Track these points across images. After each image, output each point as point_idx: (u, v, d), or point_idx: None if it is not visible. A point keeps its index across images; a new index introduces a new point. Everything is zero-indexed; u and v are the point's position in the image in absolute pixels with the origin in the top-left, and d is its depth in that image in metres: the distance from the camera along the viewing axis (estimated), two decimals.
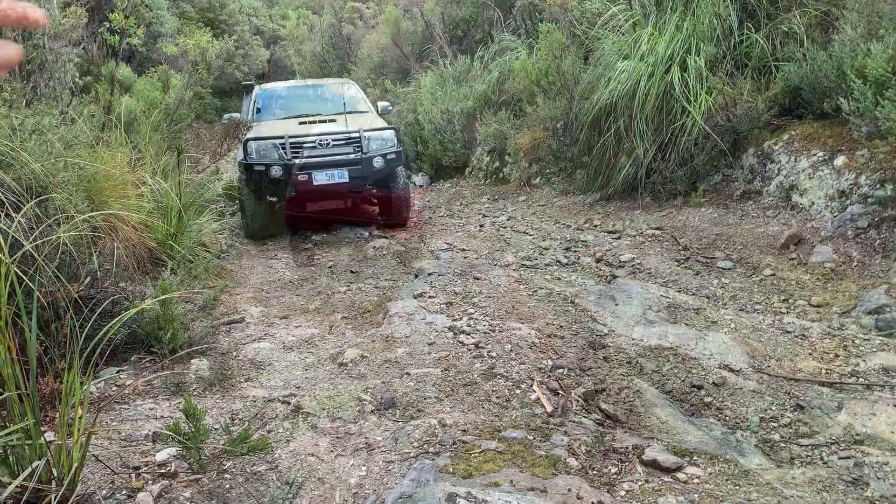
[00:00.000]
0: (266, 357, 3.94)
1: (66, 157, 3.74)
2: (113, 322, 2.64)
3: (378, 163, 7.33)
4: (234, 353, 3.93)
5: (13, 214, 2.83)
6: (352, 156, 7.27)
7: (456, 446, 2.81)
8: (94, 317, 2.81)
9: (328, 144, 7.24)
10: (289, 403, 3.25)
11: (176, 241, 5.18)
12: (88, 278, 3.54)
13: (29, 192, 3.35)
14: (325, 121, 7.85)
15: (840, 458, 2.82)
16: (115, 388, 3.37)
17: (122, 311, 3.42)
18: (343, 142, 7.35)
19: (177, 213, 5.31)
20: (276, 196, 7.21)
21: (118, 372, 3.50)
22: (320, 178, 7.09)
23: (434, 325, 4.10)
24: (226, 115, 8.42)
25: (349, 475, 2.74)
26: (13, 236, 2.69)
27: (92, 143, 4.75)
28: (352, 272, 6.10)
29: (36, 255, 2.93)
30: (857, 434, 2.94)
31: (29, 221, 3.21)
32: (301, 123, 7.80)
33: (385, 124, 7.94)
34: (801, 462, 2.84)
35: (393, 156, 7.48)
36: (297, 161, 7.03)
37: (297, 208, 7.51)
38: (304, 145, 7.20)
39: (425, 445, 2.88)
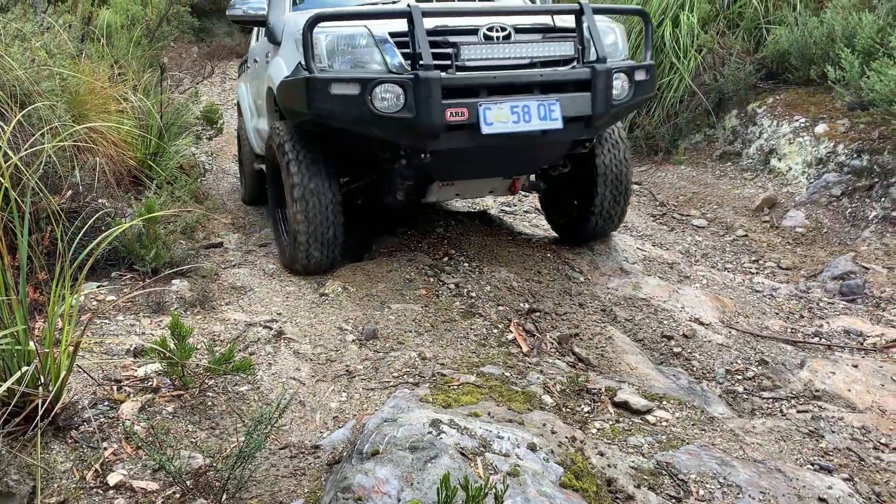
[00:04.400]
0: (246, 283, 3.96)
1: (50, 66, 3.65)
2: (102, 236, 2.63)
3: (622, 89, 3.71)
4: (215, 277, 3.94)
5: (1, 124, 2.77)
6: (569, 70, 3.62)
7: (435, 378, 2.89)
8: (78, 230, 2.80)
9: (513, 40, 3.56)
10: (270, 329, 3.29)
11: (156, 161, 5.11)
12: (70, 192, 3.50)
13: (13, 100, 3.27)
14: None
15: (799, 411, 2.96)
16: (95, 303, 3.37)
17: (104, 227, 3.40)
18: (547, 37, 3.68)
19: (157, 133, 5.22)
20: (373, 169, 4.08)
21: (98, 287, 3.50)
22: (500, 115, 3.37)
23: (416, 263, 4.14)
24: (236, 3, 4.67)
25: (330, 400, 2.81)
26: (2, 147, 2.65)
27: (73, 54, 4.62)
28: None
29: (21, 167, 2.88)
30: (817, 390, 3.08)
31: (13, 130, 3.14)
32: None
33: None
34: (762, 413, 2.98)
35: (645, 78, 3.85)
36: (441, 76, 3.31)
37: (424, 192, 4.15)
38: (461, 40, 3.48)
39: (405, 376, 2.95)
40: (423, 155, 3.52)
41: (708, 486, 2.18)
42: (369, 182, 4.31)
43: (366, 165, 4.22)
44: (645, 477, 2.18)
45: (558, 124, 3.47)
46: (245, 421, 2.55)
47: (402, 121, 3.34)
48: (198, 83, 7.61)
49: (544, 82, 3.53)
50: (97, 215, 3.27)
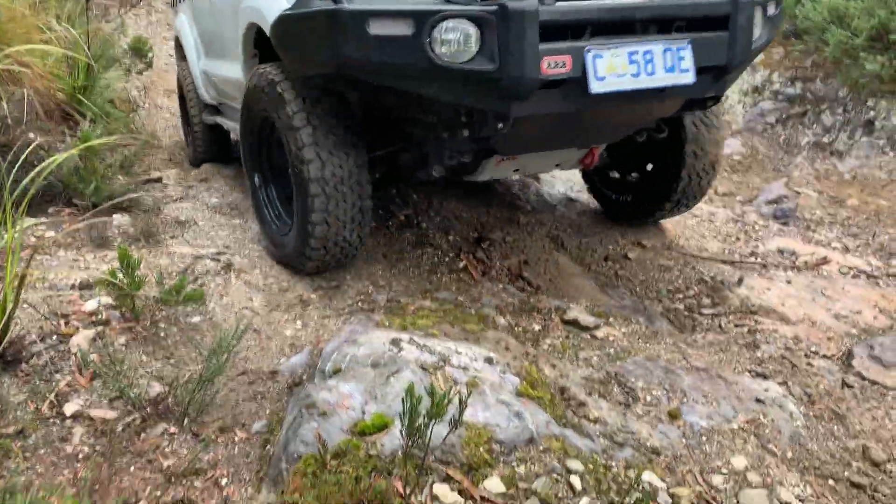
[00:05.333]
0: (190, 217, 3.88)
1: None
2: (40, 167, 2.53)
3: (760, 28, 2.85)
4: (157, 211, 3.85)
5: None
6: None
7: (390, 304, 2.93)
8: (11, 165, 2.68)
9: None
10: (219, 261, 3.25)
11: (85, 96, 4.88)
12: None
13: None
14: None
15: (736, 325, 3.12)
16: (34, 240, 3.26)
17: (37, 162, 3.26)
18: None
19: (86, 65, 4.97)
20: (403, 135, 3.15)
21: (36, 224, 3.38)
22: (614, 65, 2.46)
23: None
24: None
25: (285, 328, 2.82)
26: None
27: None
28: None
29: None
30: (753, 305, 3.24)
31: None
32: None
33: None
34: (703, 328, 3.13)
35: (776, 12, 2.99)
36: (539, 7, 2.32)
37: (475, 169, 3.21)
38: None
39: (359, 303, 2.98)
40: (499, 124, 2.48)
41: (654, 392, 2.30)
42: (395, 151, 3.25)
43: (394, 128, 3.16)
44: (595, 385, 2.28)
45: (689, 77, 2.54)
46: (201, 350, 2.54)
47: (477, 75, 2.32)
48: (124, 13, 7.23)
49: (670, 16, 2.57)
50: (29, 149, 3.12)
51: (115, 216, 3.58)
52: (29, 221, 3.36)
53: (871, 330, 3.08)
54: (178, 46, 5.51)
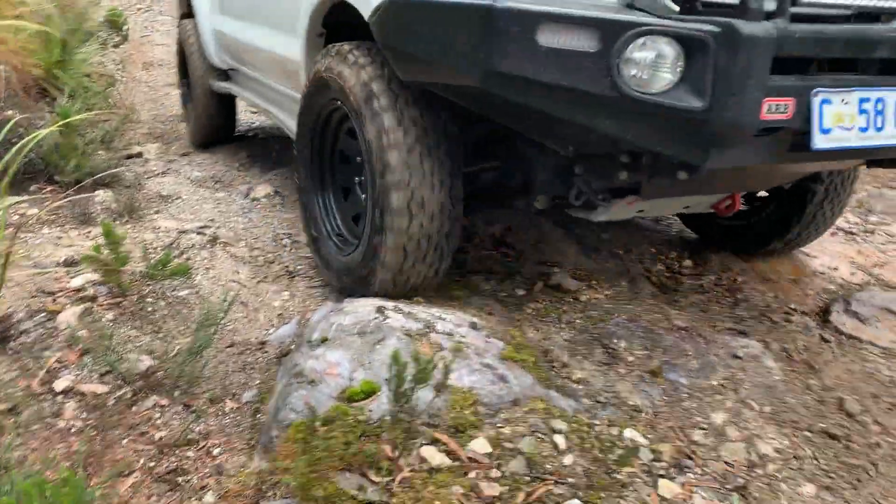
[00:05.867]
0: (173, 191, 3.88)
1: None
2: (20, 143, 2.52)
3: None
4: (140, 187, 3.84)
5: None
6: None
7: None
8: None
9: None
10: (204, 234, 3.26)
11: (62, 71, 4.82)
12: None
13: None
14: None
15: (716, 285, 3.17)
16: (16, 217, 3.25)
17: (17, 139, 3.24)
18: None
19: (61, 40, 4.90)
20: (508, 152, 2.57)
21: (18, 202, 3.36)
22: (842, 115, 1.90)
23: None
24: None
25: (272, 299, 2.84)
26: None
27: None
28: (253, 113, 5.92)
29: None
30: (733, 265, 3.30)
31: None
32: None
33: None
34: (684, 289, 3.18)
35: None
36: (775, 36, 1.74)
37: (594, 207, 2.44)
38: None
39: None
40: (681, 174, 1.99)
41: (637, 352, 2.35)
42: (489, 169, 2.65)
43: (499, 144, 2.60)
44: (578, 347, 2.33)
45: None
46: (189, 324, 2.56)
47: (673, 112, 1.77)
48: None
49: None
50: (7, 127, 3.10)
51: (97, 192, 3.57)
52: (11, 200, 3.34)
53: (849, 286, 3.14)
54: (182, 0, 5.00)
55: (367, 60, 2.34)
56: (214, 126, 4.75)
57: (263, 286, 2.92)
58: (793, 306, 2.95)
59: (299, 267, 3.04)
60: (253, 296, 2.85)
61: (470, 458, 1.73)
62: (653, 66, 1.75)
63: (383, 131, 2.23)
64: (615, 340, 2.42)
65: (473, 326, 2.21)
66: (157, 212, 3.56)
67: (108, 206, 3.45)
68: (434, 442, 1.75)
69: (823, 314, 2.89)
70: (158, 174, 4.23)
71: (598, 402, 2.08)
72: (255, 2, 3.59)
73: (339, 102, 2.50)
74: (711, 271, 3.29)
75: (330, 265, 2.73)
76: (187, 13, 4.85)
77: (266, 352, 2.46)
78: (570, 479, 1.71)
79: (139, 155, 4.59)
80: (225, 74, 4.46)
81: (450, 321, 2.21)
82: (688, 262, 3.39)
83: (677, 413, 2.13)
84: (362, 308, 2.18)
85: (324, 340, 2.06)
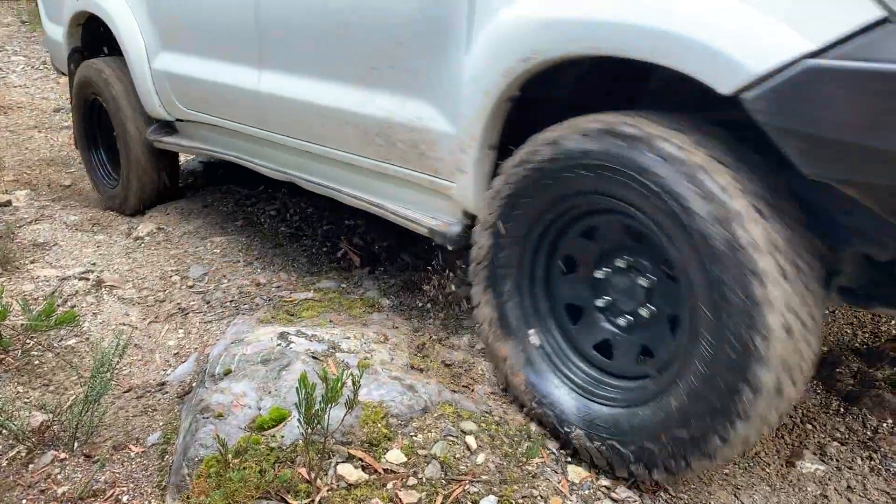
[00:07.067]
0: (49, 238, 3.69)
1: None
2: None
3: None
4: (12, 236, 3.63)
5: None
6: None
7: (273, 301, 2.94)
8: None
9: None
10: (88, 279, 3.14)
11: None
12: None
13: None
14: None
15: None
16: None
17: None
18: None
19: None
20: None
21: None
22: None
23: (232, 195, 4.07)
24: None
25: (167, 339, 2.77)
26: None
27: None
28: None
29: None
30: None
31: None
32: None
33: None
34: None
35: None
36: None
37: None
38: None
39: (242, 304, 2.97)
40: None
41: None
42: None
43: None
44: (482, 349, 2.40)
45: None
46: (81, 373, 2.46)
47: None
48: None
49: None
50: None
51: None
52: None
53: None
54: (85, 31, 4.13)
55: (689, 140, 1.64)
56: (156, 188, 3.99)
57: (156, 326, 2.84)
58: None
59: (192, 303, 2.98)
60: (146, 337, 2.77)
61: (386, 470, 1.76)
62: None
63: (740, 229, 1.54)
64: None
65: (378, 342, 2.25)
66: (33, 261, 3.39)
67: None
68: (349, 459, 1.77)
69: None
70: (31, 221, 4.01)
71: (504, 400, 2.16)
72: (316, 45, 2.56)
73: (596, 195, 1.78)
74: None
75: (590, 422, 1.89)
76: (81, 49, 4.20)
77: (167, 392, 2.40)
78: (483, 477, 1.77)
79: (7, 203, 4.33)
80: (170, 127, 3.76)
81: (354, 339, 2.24)
82: None
83: None
84: (264, 336, 2.17)
85: (227, 373, 2.04)
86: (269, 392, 1.94)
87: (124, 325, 2.82)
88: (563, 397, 1.95)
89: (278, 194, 4.15)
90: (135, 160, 3.85)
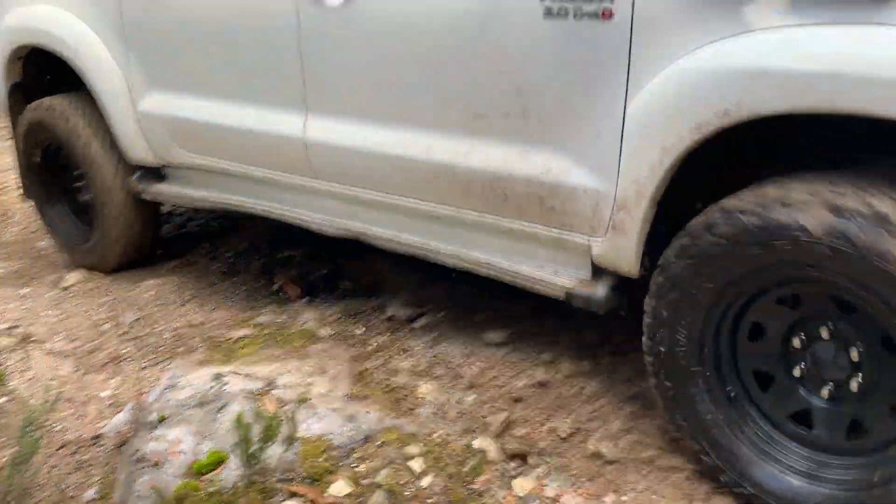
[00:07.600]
0: None
1: None
2: None
3: None
4: None
5: None
6: None
7: (209, 341, 2.88)
8: None
9: None
10: (13, 336, 3.03)
11: None
12: None
13: None
14: None
15: None
16: None
17: None
18: None
19: None
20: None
21: None
22: None
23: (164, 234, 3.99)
24: None
25: (101, 389, 2.69)
26: None
27: None
28: None
29: None
30: None
31: None
32: None
33: None
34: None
35: None
36: None
37: None
38: None
39: (177, 347, 2.90)
40: None
41: (476, 364, 2.47)
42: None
43: None
44: (423, 371, 2.41)
45: None
46: (9, 434, 2.37)
47: None
48: None
49: None
50: None
51: None
52: None
53: None
54: (28, 62, 3.47)
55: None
56: (134, 243, 3.53)
57: (89, 377, 2.76)
58: None
59: (125, 350, 2.90)
60: (79, 389, 2.68)
61: (331, 503, 1.74)
62: None
63: None
64: (457, 357, 2.52)
65: (317, 374, 2.23)
66: None
67: None
68: (293, 496, 1.75)
69: None
70: None
71: (447, 419, 2.16)
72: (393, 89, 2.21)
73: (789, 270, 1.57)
74: None
75: None
76: (19, 87, 3.57)
77: (102, 445, 2.33)
78: (429, 501, 1.77)
79: None
80: (157, 173, 3.28)
81: (292, 374, 2.22)
82: None
83: (528, 414, 2.23)
84: (197, 379, 2.14)
85: (162, 420, 1.99)
86: (207, 435, 1.90)
87: (55, 378, 2.73)
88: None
89: (209, 229, 4.08)
90: (113, 212, 3.38)
